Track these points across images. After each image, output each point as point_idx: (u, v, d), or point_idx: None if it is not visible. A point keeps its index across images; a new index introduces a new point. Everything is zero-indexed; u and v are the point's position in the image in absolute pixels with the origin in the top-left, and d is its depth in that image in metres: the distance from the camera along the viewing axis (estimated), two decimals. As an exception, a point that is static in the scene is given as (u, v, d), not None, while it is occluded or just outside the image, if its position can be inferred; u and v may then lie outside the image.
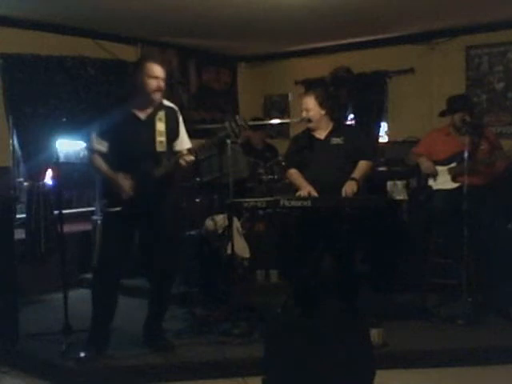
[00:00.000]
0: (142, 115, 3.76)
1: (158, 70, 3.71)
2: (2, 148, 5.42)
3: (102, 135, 3.74)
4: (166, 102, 3.87)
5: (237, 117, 3.94)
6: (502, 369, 3.71)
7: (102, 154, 3.76)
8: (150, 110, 3.77)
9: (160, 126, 3.74)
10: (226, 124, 3.87)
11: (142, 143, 3.72)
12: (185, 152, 3.75)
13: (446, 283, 4.59)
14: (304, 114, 4.33)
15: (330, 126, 4.36)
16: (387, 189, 5.34)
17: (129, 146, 3.72)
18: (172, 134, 3.82)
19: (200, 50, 7.18)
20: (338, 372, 2.87)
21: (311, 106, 4.29)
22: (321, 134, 4.35)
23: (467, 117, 4.42)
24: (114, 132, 3.71)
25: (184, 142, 3.89)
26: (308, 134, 4.41)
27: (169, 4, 5.07)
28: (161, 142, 3.74)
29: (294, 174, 4.39)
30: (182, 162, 3.71)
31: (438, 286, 4.62)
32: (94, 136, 3.75)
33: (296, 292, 4.44)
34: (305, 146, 4.36)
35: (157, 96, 3.73)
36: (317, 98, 4.29)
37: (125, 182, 3.67)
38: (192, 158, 3.76)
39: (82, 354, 3.71)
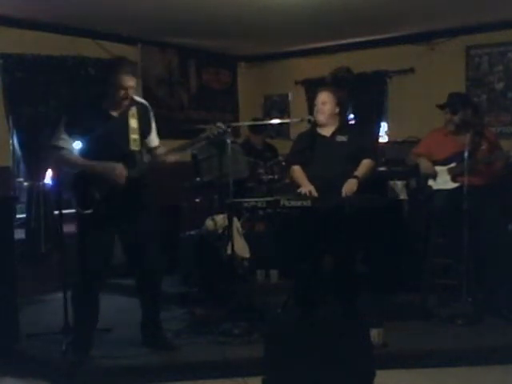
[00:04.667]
0: (115, 113, 3.65)
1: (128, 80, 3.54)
2: (2, 148, 5.42)
3: (71, 132, 3.60)
4: (138, 98, 3.77)
5: (218, 124, 3.82)
6: (502, 369, 3.70)
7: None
8: (122, 108, 3.65)
9: (133, 123, 3.64)
10: (207, 128, 3.78)
11: (116, 141, 3.61)
12: (159, 149, 3.75)
13: (446, 283, 4.58)
14: (317, 108, 4.34)
15: (337, 124, 4.41)
16: (387, 189, 5.34)
17: (101, 144, 3.57)
18: (145, 131, 3.74)
19: (200, 50, 7.18)
20: (338, 372, 2.87)
21: (328, 100, 4.33)
22: (327, 132, 4.39)
23: (465, 115, 4.42)
24: (86, 129, 3.57)
25: (155, 139, 3.83)
26: (313, 131, 4.44)
27: (168, 4, 5.08)
28: (135, 139, 3.64)
29: (297, 171, 4.39)
30: (168, 159, 3.70)
31: (438, 286, 4.62)
32: (60, 132, 3.60)
33: (296, 292, 4.44)
34: (310, 143, 4.38)
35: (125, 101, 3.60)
36: (335, 94, 4.36)
37: (116, 167, 3.52)
38: (177, 157, 3.74)
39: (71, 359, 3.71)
